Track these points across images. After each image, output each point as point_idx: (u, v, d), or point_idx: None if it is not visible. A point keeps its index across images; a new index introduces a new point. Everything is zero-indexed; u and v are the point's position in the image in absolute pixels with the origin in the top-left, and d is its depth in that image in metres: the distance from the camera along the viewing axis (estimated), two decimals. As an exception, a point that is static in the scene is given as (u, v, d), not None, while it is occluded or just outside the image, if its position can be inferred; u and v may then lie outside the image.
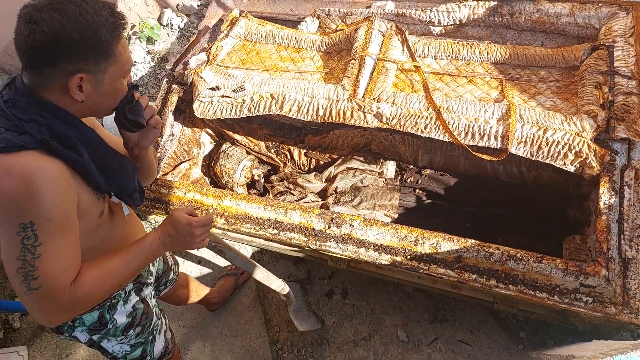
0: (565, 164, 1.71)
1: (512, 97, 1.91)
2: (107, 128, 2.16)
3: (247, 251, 2.51)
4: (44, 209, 0.95)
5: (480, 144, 1.78)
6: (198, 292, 2.07)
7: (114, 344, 1.38)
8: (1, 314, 2.49)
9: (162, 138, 2.30)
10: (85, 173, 1.08)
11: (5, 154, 0.95)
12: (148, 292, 1.45)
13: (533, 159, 1.74)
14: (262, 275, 1.77)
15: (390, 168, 2.35)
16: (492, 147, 1.77)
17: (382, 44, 2.16)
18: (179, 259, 2.40)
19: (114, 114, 1.18)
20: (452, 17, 2.29)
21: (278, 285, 1.84)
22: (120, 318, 1.33)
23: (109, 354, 1.41)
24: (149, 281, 1.46)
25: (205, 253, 2.57)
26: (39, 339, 2.43)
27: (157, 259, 1.60)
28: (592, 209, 1.75)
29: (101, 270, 1.08)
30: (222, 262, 2.54)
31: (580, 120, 1.71)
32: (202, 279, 2.46)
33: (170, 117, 2.33)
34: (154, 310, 1.48)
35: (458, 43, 2.14)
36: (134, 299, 1.37)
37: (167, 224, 1.18)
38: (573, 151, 1.69)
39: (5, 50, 3.25)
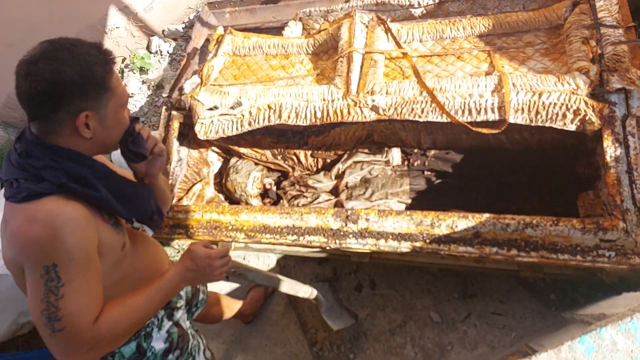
0: (565, 124, 1.72)
1: (502, 66, 1.92)
2: (115, 164, 2.23)
3: (271, 259, 2.57)
4: (66, 250, 1.01)
5: (478, 119, 1.80)
6: (230, 307, 2.13)
7: None
8: None
9: (170, 165, 2.36)
10: (105, 205, 1.15)
11: (28, 202, 1.03)
12: (180, 315, 1.50)
13: (533, 124, 1.75)
14: (287, 286, 1.80)
15: (395, 155, 2.38)
16: (491, 120, 1.79)
17: (366, 36, 2.19)
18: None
19: (119, 150, 1.24)
20: (431, -4, 2.29)
21: (305, 291, 1.88)
22: (158, 344, 1.38)
23: None
24: (178, 305, 1.50)
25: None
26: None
27: None
28: (600, 163, 1.75)
29: (124, 307, 1.13)
30: (249, 274, 2.60)
31: (572, 78, 1.71)
32: (232, 293, 2.53)
33: (175, 144, 2.39)
34: (189, 332, 1.53)
35: (441, 22, 2.15)
36: (167, 324, 1.42)
37: (186, 258, 1.23)
38: (571, 110, 1.70)
39: (6, 104, 3.36)
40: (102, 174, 1.15)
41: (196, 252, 1.22)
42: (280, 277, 1.78)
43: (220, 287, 2.57)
